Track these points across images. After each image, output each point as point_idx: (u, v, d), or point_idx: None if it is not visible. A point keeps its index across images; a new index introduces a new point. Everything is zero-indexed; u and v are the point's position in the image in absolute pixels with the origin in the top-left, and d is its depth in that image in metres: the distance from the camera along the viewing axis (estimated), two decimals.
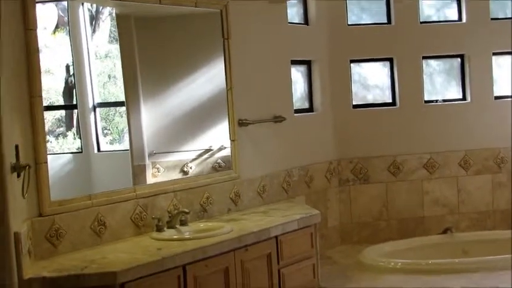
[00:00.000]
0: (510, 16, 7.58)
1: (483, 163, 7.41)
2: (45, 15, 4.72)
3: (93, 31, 5.35)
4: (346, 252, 6.87)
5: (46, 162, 4.37)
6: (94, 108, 5.28)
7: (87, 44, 5.27)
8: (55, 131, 5.11)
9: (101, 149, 5.34)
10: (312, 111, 7.07)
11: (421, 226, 7.30)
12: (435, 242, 7.04)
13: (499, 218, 7.45)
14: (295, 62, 6.83)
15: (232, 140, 5.86)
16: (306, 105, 7.05)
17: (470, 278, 5.78)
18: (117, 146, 5.47)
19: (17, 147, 3.96)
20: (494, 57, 7.48)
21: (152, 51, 5.55)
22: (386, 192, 7.26)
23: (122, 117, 5.43)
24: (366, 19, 7.46)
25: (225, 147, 5.87)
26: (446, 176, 7.35)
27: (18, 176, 3.96)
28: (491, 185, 7.43)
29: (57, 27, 5.19)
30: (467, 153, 7.38)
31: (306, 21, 7.05)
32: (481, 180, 7.41)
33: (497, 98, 7.49)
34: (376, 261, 6.31)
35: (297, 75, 6.96)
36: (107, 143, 5.40)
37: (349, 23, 7.31)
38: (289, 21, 6.72)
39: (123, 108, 5.41)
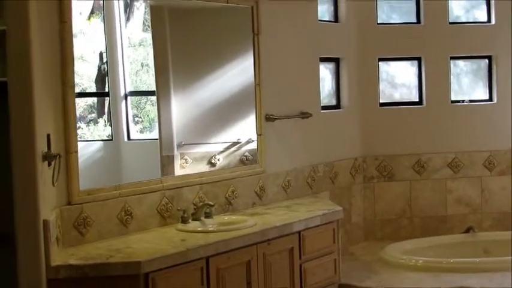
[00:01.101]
0: None
1: (507, 164, 7.43)
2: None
3: (127, 19, 5.45)
4: (369, 248, 6.93)
5: (76, 152, 4.47)
6: (126, 96, 5.39)
7: (121, 31, 5.36)
8: (86, 117, 5.22)
9: (131, 137, 5.44)
10: (339, 108, 7.14)
11: (443, 225, 7.35)
12: (457, 241, 7.07)
13: None
14: (323, 59, 6.88)
15: (258, 135, 5.94)
16: (333, 102, 7.12)
17: (491, 277, 5.81)
18: (147, 135, 5.57)
19: (48, 136, 4.09)
20: None
21: (184, 43, 5.63)
22: (410, 190, 7.31)
23: (153, 105, 5.52)
24: (396, 18, 7.51)
25: (253, 141, 5.95)
26: (470, 176, 7.39)
27: (49, 164, 4.09)
28: None
29: (92, 12, 5.29)
30: (492, 153, 7.40)
31: (336, 19, 7.11)
32: (504, 181, 7.43)
33: None
34: (398, 258, 6.37)
35: (325, 72, 7.02)
36: (137, 131, 5.50)
37: (378, 21, 7.37)
38: (319, 18, 6.78)
39: (154, 97, 5.50)
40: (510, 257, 6.23)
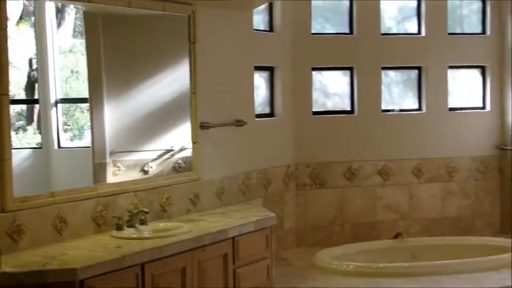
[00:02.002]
0: (466, 32, 7.86)
1: (435, 172, 7.67)
2: (10, 4, 4.53)
3: (58, 25, 5.39)
4: (301, 254, 7.06)
5: (10, 159, 4.43)
6: (56, 103, 5.34)
7: (52, 37, 5.32)
8: (14, 124, 5.14)
9: (62, 145, 5.41)
10: (273, 116, 7.25)
11: (373, 231, 7.53)
12: (386, 246, 7.26)
13: (448, 225, 7.71)
14: (258, 68, 6.99)
15: (194, 142, 6.00)
16: (267, 110, 7.23)
17: (419, 281, 5.99)
18: (77, 143, 5.53)
19: None
20: (449, 71, 7.73)
21: (118, 50, 5.63)
22: (341, 197, 7.47)
23: (82, 112, 5.48)
24: (329, 29, 7.66)
25: (186, 148, 5.99)
26: (400, 183, 7.59)
27: None
28: (442, 193, 7.69)
29: (21, 17, 5.22)
30: (420, 161, 7.62)
31: (271, 28, 7.23)
32: (432, 188, 7.67)
33: (451, 109, 7.75)
34: (329, 263, 6.50)
35: (260, 81, 7.13)
36: (67, 139, 5.46)
37: (312, 32, 7.51)
38: (254, 28, 6.89)
39: (85, 105, 5.46)
40: (437, 262, 6.44)
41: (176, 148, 5.98)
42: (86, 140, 5.44)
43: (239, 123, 6.50)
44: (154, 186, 5.61)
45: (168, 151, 5.94)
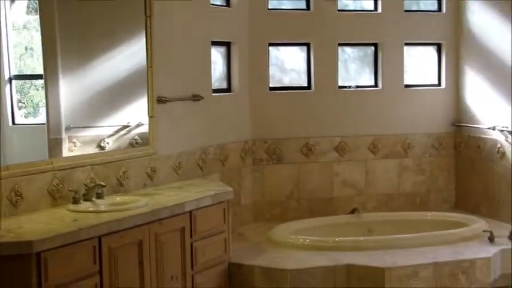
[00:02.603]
0: (422, 9, 7.92)
1: (391, 148, 7.74)
2: None
3: (12, 1, 5.32)
4: (258, 229, 7.08)
5: None
6: (10, 80, 5.28)
7: (5, 14, 5.24)
8: None
9: (16, 121, 5.34)
10: (230, 91, 7.24)
11: (330, 206, 7.58)
12: (342, 222, 7.32)
13: (403, 200, 7.80)
14: (215, 43, 6.97)
15: (150, 117, 5.97)
16: (224, 86, 7.21)
17: (374, 255, 6.04)
18: (32, 120, 5.46)
19: None
20: (405, 48, 7.79)
21: (73, 26, 5.56)
22: (298, 173, 7.51)
23: (37, 90, 5.41)
24: (286, 4, 7.66)
25: (143, 124, 5.98)
26: (356, 159, 7.65)
27: None
28: (398, 169, 7.77)
29: None
30: (376, 137, 7.68)
31: (228, 3, 7.20)
32: (388, 164, 7.74)
33: (407, 86, 7.82)
34: (286, 237, 6.53)
35: (217, 56, 7.10)
36: (21, 116, 5.40)
37: (269, 7, 7.50)
38: (211, 2, 6.85)
39: (39, 82, 5.38)
40: (393, 236, 6.52)
41: (133, 124, 5.94)
42: (42, 117, 5.37)
43: (196, 97, 6.48)
44: (111, 160, 5.59)
45: (125, 127, 5.91)
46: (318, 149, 7.54)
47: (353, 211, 7.45)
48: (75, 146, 5.46)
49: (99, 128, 5.78)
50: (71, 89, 5.49)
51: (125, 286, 4.74)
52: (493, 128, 7.17)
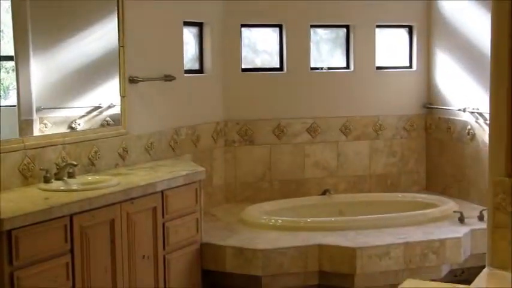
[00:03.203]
0: None
1: (362, 130, 7.77)
2: None
3: None
4: (230, 210, 7.08)
5: None
6: None
7: None
8: None
9: None
10: (202, 72, 7.22)
11: (301, 187, 7.60)
12: (314, 203, 7.34)
13: (374, 182, 7.84)
14: (187, 24, 6.94)
15: (122, 96, 5.95)
16: (197, 67, 7.19)
17: (345, 235, 6.08)
18: (3, 102, 5.41)
19: None
20: (377, 30, 7.81)
21: (45, 6, 5.51)
22: (270, 154, 7.52)
23: (8, 73, 5.37)
24: None
25: (114, 105, 5.95)
26: (328, 141, 7.67)
27: None
28: (369, 151, 7.81)
29: None
30: (348, 119, 7.71)
31: None
32: (359, 146, 7.77)
33: (378, 68, 7.85)
34: (258, 218, 6.55)
35: (189, 37, 7.08)
36: None
37: None
38: None
39: (10, 64, 5.33)
40: (364, 216, 6.56)
41: (104, 105, 5.92)
42: (12, 99, 5.32)
43: (168, 78, 6.45)
44: (82, 140, 5.57)
45: (96, 108, 5.89)
46: (289, 131, 7.55)
47: (324, 192, 7.48)
48: (46, 127, 5.43)
49: (70, 109, 5.76)
50: (42, 71, 5.46)
51: (96, 265, 4.74)
52: (464, 110, 7.22)
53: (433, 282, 2.85)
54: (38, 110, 5.42)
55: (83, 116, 5.80)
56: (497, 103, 2.98)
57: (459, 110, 7.31)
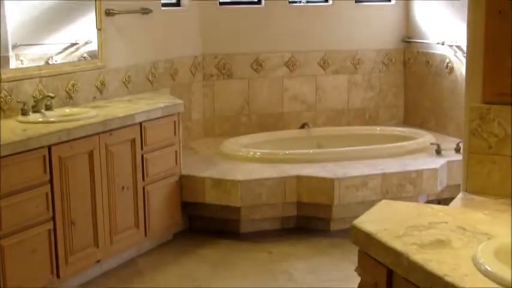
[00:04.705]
0: None
1: (341, 63, 7.76)
2: None
3: None
4: (209, 143, 7.10)
5: None
6: None
7: None
8: None
9: None
10: (180, 5, 7.14)
11: (280, 121, 7.62)
12: (293, 136, 7.38)
13: (353, 116, 7.87)
14: None
15: (98, 29, 5.89)
16: (174, 0, 7.12)
17: (323, 167, 6.13)
18: None
19: None
20: None
21: None
22: (248, 88, 7.50)
23: None
24: None
25: (91, 41, 5.91)
26: (306, 75, 7.67)
27: None
28: (348, 85, 7.82)
29: None
30: (326, 53, 7.69)
31: None
32: (337, 80, 7.78)
33: (357, 1, 7.81)
34: (236, 151, 6.57)
35: None
36: None
37: None
38: None
39: None
40: (342, 148, 6.60)
41: (81, 41, 5.87)
42: None
43: (145, 11, 6.39)
44: (60, 73, 5.54)
45: (73, 44, 5.84)
46: (268, 65, 7.53)
47: (303, 126, 7.50)
48: (22, 64, 5.38)
49: (47, 45, 5.70)
50: (18, 6, 5.37)
51: (76, 195, 4.76)
52: (442, 43, 7.23)
53: (408, 203, 2.88)
54: (14, 46, 5.36)
55: (60, 52, 5.75)
56: (475, 31, 3.00)
57: (438, 43, 7.31)
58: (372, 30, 7.83)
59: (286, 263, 5.48)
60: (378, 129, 7.64)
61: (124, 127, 5.21)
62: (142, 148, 5.42)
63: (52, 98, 5.21)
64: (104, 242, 5.08)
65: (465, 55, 3.17)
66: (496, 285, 1.98)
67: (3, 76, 5.01)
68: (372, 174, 5.95)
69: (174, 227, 5.97)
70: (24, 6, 5.44)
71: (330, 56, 7.71)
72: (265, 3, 7.48)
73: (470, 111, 3.00)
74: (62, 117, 5.05)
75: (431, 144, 6.67)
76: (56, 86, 5.48)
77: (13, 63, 5.28)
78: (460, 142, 6.50)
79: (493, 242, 2.26)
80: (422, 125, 7.68)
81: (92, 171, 4.89)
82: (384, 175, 5.96)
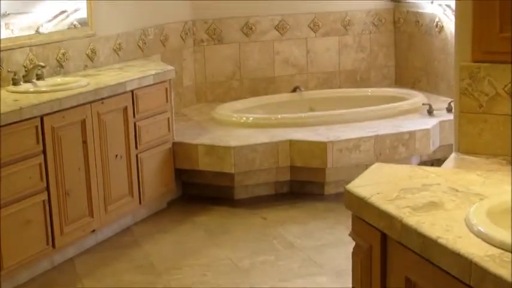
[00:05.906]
0: None
1: (331, 26, 7.73)
2: None
3: None
4: (201, 109, 7.10)
5: None
6: None
7: None
8: None
9: None
10: None
11: (272, 85, 7.61)
12: (285, 100, 7.37)
13: (344, 78, 7.86)
14: None
15: None
16: None
17: (315, 130, 6.14)
18: None
19: None
20: None
21: None
22: (239, 53, 7.48)
23: None
24: None
25: (80, 9, 5.87)
26: (296, 38, 7.64)
27: None
28: (338, 47, 7.79)
29: None
30: (316, 15, 7.66)
31: None
32: (328, 42, 7.75)
33: None
34: (229, 116, 6.57)
35: None
36: None
37: None
38: None
39: None
40: (334, 111, 6.61)
41: (70, 9, 5.84)
42: None
43: None
44: (50, 42, 5.52)
45: (63, 12, 5.79)
46: (258, 28, 7.50)
47: (295, 89, 7.50)
48: (12, 33, 5.34)
49: (36, 13, 5.64)
50: None
51: (69, 165, 4.77)
52: (431, 2, 7.20)
53: (400, 165, 2.89)
54: (4, 15, 5.31)
55: (50, 20, 5.70)
56: None
57: (427, 2, 7.29)
58: None
59: (280, 228, 5.50)
60: (369, 90, 7.64)
61: (116, 95, 5.20)
62: (134, 116, 5.42)
63: (43, 67, 5.20)
64: (99, 211, 5.10)
65: (454, 13, 3.15)
66: (489, 246, 2.00)
67: None
68: (365, 137, 5.97)
69: (168, 194, 5.99)
70: None
71: (320, 18, 7.67)
72: None
73: (460, 70, 2.99)
74: (54, 86, 5.05)
75: (423, 104, 6.68)
76: (47, 55, 5.46)
77: (3, 33, 5.24)
78: (451, 101, 6.48)
79: (484, 202, 2.27)
80: (414, 85, 7.68)
81: (84, 140, 4.90)
82: (376, 137, 5.98)
